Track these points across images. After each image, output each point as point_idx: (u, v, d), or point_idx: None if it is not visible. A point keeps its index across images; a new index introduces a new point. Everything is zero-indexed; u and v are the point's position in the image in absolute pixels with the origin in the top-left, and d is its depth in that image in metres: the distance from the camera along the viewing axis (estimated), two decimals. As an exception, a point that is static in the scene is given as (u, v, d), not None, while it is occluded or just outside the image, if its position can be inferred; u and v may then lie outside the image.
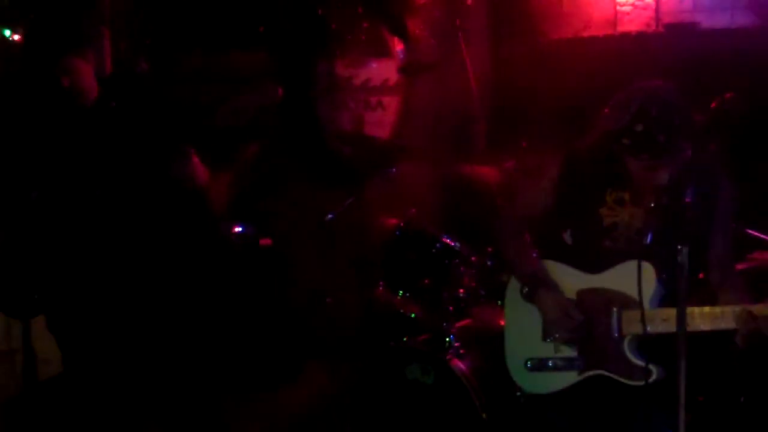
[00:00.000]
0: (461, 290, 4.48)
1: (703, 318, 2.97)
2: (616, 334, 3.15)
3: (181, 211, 3.95)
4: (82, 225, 3.76)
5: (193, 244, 3.97)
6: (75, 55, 3.83)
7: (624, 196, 3.19)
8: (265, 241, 4.85)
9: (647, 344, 3.07)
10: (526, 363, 3.31)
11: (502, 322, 3.50)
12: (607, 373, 3.16)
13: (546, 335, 3.27)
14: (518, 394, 3.79)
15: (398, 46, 6.16)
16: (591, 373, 3.19)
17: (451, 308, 4.45)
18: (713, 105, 3.03)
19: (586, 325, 3.19)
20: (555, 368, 3.26)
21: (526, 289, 3.30)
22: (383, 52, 6.16)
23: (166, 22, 5.82)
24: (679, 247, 2.60)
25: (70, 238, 3.76)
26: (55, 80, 3.79)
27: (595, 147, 3.20)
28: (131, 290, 3.81)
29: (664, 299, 3.08)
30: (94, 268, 3.77)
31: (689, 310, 2.91)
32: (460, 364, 4.17)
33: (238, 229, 4.76)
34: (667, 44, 5.54)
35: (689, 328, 2.87)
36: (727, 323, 2.96)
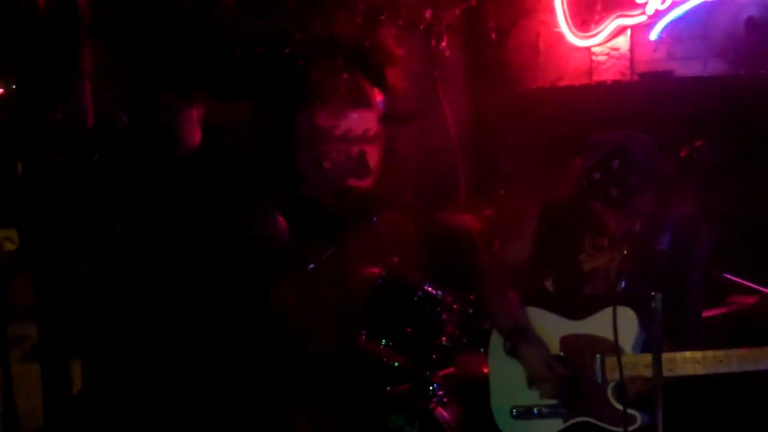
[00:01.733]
0: (444, 338, 4.49)
1: (685, 363, 2.97)
2: (600, 381, 3.16)
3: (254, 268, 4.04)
4: (156, 266, 3.83)
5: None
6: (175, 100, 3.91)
7: (602, 242, 3.23)
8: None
9: (627, 391, 3.08)
10: (511, 411, 3.32)
11: (486, 370, 3.51)
12: (592, 420, 3.17)
13: (530, 386, 3.28)
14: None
15: (378, 97, 6.23)
16: (576, 419, 3.20)
17: (434, 356, 4.45)
18: (683, 153, 3.09)
19: (570, 378, 3.20)
20: (540, 416, 3.26)
21: (509, 344, 3.30)
22: (363, 102, 6.23)
23: (148, 75, 5.87)
24: (653, 293, 2.63)
25: (141, 277, 3.84)
26: (158, 121, 3.86)
27: (570, 193, 3.25)
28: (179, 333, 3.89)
29: (647, 344, 3.10)
30: (154, 309, 3.86)
31: (672, 355, 2.93)
32: (444, 413, 4.17)
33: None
34: (642, 92, 5.62)
35: (673, 373, 2.90)
36: (713, 368, 2.96)
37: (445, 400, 4.24)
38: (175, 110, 3.89)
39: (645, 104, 5.36)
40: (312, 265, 4.56)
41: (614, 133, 3.17)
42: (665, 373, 2.77)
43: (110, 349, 3.95)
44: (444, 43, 6.09)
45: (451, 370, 4.48)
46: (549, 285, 3.33)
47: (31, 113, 5.16)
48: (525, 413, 3.29)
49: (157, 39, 5.68)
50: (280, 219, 3.93)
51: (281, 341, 4.51)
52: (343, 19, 5.93)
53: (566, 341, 3.25)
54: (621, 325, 2.99)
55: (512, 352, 3.29)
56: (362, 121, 6.22)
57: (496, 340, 3.41)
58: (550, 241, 3.30)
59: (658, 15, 5.54)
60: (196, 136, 3.98)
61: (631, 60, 5.84)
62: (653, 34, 5.63)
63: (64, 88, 5.44)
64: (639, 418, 3.08)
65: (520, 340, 3.27)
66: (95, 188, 3.89)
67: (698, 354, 2.99)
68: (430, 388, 4.28)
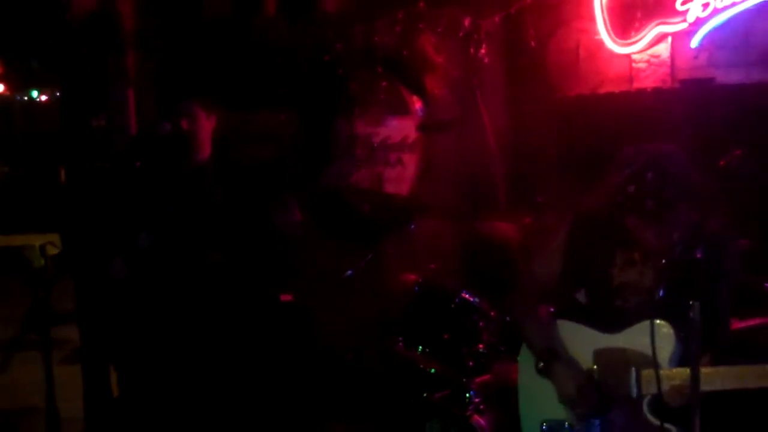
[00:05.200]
0: (481, 345, 4.48)
1: (724, 377, 2.92)
2: (635, 395, 3.13)
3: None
4: (187, 273, 3.85)
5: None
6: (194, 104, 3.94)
7: (634, 256, 3.21)
8: (286, 297, 4.89)
9: (664, 405, 3.05)
10: (541, 425, 3.29)
11: (522, 379, 3.50)
12: None
13: (561, 403, 3.26)
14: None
15: (417, 104, 6.25)
16: None
17: (471, 364, 4.45)
18: (722, 163, 3.07)
19: (604, 393, 3.18)
20: (572, 431, 3.24)
21: (541, 364, 3.26)
22: (402, 110, 6.25)
23: (190, 83, 5.94)
24: (691, 302, 2.60)
25: (168, 288, 3.85)
26: (178, 126, 3.89)
27: (602, 206, 3.23)
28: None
29: (684, 359, 3.06)
30: (187, 317, 3.87)
31: (709, 369, 2.90)
32: (480, 421, 4.16)
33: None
34: (683, 100, 5.58)
35: (710, 388, 2.87)
36: (752, 382, 2.92)
37: (481, 407, 4.23)
38: (196, 118, 3.92)
39: (685, 111, 5.32)
40: (350, 272, 4.58)
41: (647, 145, 3.15)
42: (703, 387, 2.75)
43: (145, 356, 3.96)
44: (483, 51, 6.09)
45: (487, 377, 4.47)
46: (581, 297, 3.31)
47: (74, 120, 5.25)
48: (556, 428, 3.25)
49: (199, 48, 5.75)
50: (297, 213, 3.95)
51: (318, 347, 4.54)
52: (382, 27, 5.97)
53: (600, 355, 3.21)
54: (657, 338, 2.95)
55: (544, 372, 3.26)
56: (401, 129, 6.25)
57: (526, 354, 3.39)
58: (581, 254, 3.28)
59: (699, 22, 5.50)
60: (208, 146, 4.00)
61: (672, 67, 5.80)
62: (694, 42, 5.59)
63: (108, 95, 5.54)
64: (674, 432, 3.05)
65: (552, 360, 3.24)
66: (137, 195, 3.94)
67: (736, 368, 2.94)
68: (467, 395, 4.28)
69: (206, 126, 3.97)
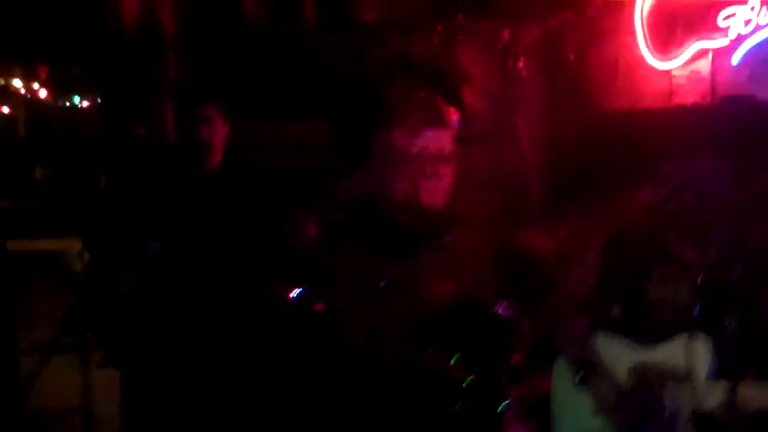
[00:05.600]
0: (516, 357, 4.47)
1: (762, 394, 2.90)
2: (672, 410, 3.11)
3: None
4: (192, 281, 3.82)
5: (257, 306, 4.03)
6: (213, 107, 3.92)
7: (669, 272, 3.19)
8: (320, 306, 4.91)
9: (703, 420, 3.03)
10: (576, 437, 3.29)
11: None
12: None
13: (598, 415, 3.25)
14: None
15: (454, 116, 6.25)
16: None
17: (505, 375, 4.44)
18: (760, 180, 3.05)
19: (640, 413, 3.16)
20: None
21: (580, 375, 3.26)
22: (439, 121, 6.25)
23: (229, 92, 6.00)
24: (728, 316, 2.59)
25: (178, 293, 3.81)
26: (196, 133, 3.87)
27: (638, 222, 3.22)
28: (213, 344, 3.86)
29: (721, 374, 3.03)
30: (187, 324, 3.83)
31: (749, 384, 2.87)
32: (513, 433, 4.15)
33: (294, 293, 4.82)
34: (723, 117, 5.53)
35: (748, 405, 2.85)
36: None
37: (515, 419, 4.22)
38: (213, 123, 3.90)
39: (725, 128, 5.27)
40: (384, 283, 4.58)
41: (685, 162, 3.14)
42: (741, 404, 2.73)
43: (159, 364, 3.89)
44: (521, 64, 6.10)
45: (522, 389, 4.46)
46: (615, 312, 3.30)
47: (114, 127, 5.31)
48: (591, 439, 3.25)
49: (237, 56, 5.79)
50: (311, 228, 3.93)
51: (351, 357, 4.55)
52: (420, 38, 5.99)
53: (636, 369, 3.20)
54: (694, 353, 2.94)
55: (582, 383, 3.26)
56: (437, 140, 6.25)
57: (560, 366, 3.38)
58: (616, 268, 3.27)
59: (740, 38, 5.47)
60: (220, 152, 3.97)
61: (712, 83, 5.77)
62: (735, 58, 5.55)
63: (147, 103, 5.59)
64: (711, 448, 3.02)
65: (590, 372, 3.23)
66: (148, 203, 3.91)
67: None
68: (500, 407, 4.27)
69: (221, 132, 3.95)
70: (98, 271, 3.84)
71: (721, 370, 3.03)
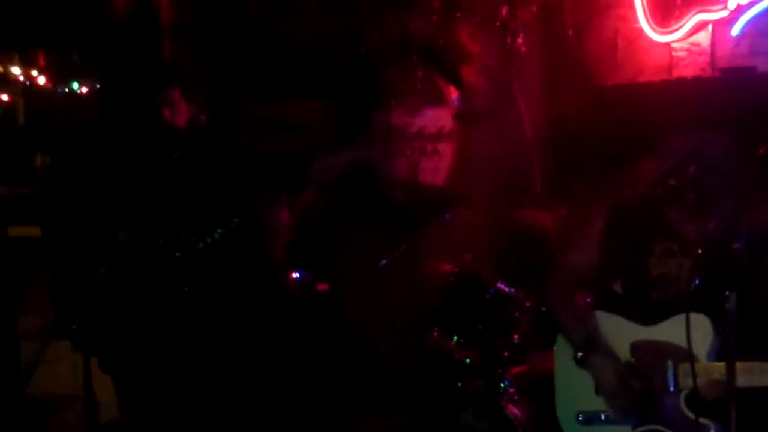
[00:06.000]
0: (516, 336, 4.46)
1: (763, 372, 2.88)
2: (672, 389, 3.10)
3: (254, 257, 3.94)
4: (164, 269, 3.72)
5: (258, 290, 3.98)
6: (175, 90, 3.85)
7: (672, 247, 3.17)
8: (322, 287, 4.90)
9: (702, 399, 3.00)
10: (577, 416, 3.27)
11: (557, 369, 3.48)
12: (662, 429, 3.11)
13: (599, 395, 3.23)
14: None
15: (453, 94, 6.22)
16: (645, 427, 3.14)
17: (506, 354, 4.44)
18: (761, 151, 3.02)
19: (641, 391, 3.14)
20: (608, 422, 3.20)
21: (580, 354, 3.25)
22: (438, 100, 6.24)
23: (225, 73, 5.97)
24: (727, 293, 2.57)
25: (150, 282, 3.71)
26: (157, 110, 3.79)
27: (641, 197, 3.20)
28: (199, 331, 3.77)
29: (722, 352, 3.01)
30: (167, 311, 3.73)
31: (748, 364, 2.85)
32: (514, 410, 4.15)
33: (295, 275, 4.82)
34: (723, 89, 5.50)
35: (750, 383, 2.82)
36: None
37: (516, 397, 4.22)
38: (177, 106, 3.83)
39: (726, 101, 5.24)
40: (384, 262, 4.58)
41: (688, 136, 3.11)
42: (741, 382, 2.71)
43: (142, 358, 3.76)
44: (520, 40, 6.05)
45: (522, 368, 4.46)
46: (617, 287, 3.28)
47: (113, 113, 5.28)
48: (592, 419, 3.23)
49: (233, 38, 5.75)
50: (284, 212, 3.88)
51: (353, 337, 4.54)
52: (418, 16, 5.95)
53: (637, 348, 3.19)
54: (695, 331, 2.90)
55: (583, 362, 3.24)
56: (437, 119, 6.24)
57: (562, 344, 3.37)
58: (618, 245, 3.25)
59: (740, 10, 5.42)
60: (184, 136, 3.88)
61: (712, 55, 5.72)
62: (735, 30, 5.50)
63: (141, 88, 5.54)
64: (712, 427, 3.00)
65: (591, 350, 3.22)
66: (115, 190, 3.79)
67: None
68: (501, 385, 4.27)
69: (184, 115, 3.87)
70: (69, 264, 3.74)
71: (721, 349, 3.01)
